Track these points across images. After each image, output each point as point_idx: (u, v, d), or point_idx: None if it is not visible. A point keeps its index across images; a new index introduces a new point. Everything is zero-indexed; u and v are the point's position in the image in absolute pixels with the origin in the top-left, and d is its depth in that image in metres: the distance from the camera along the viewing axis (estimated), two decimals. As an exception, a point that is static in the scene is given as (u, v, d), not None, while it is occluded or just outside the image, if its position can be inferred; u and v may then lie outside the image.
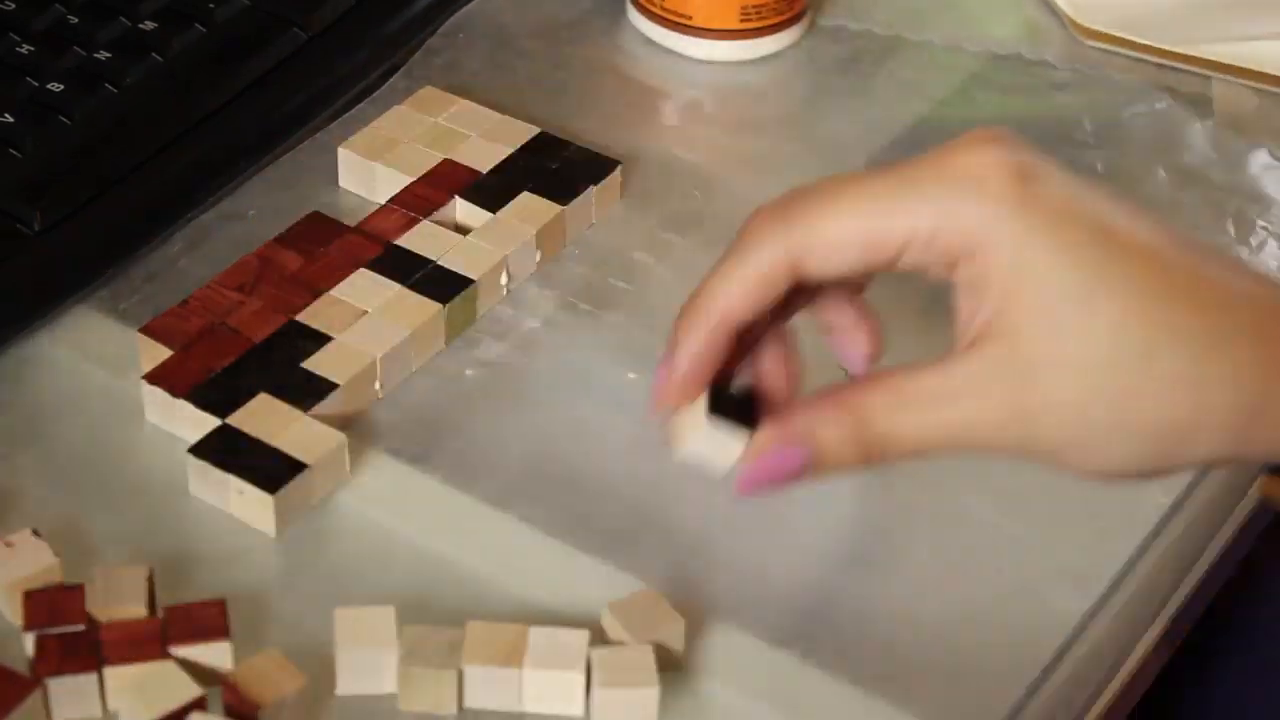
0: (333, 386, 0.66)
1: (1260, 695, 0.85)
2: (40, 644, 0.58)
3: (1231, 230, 0.76)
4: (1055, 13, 0.86)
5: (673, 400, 0.58)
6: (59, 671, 0.58)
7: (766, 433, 0.57)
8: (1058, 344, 0.53)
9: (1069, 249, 0.53)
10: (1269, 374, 0.54)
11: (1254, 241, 0.75)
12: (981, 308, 0.55)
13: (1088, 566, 0.64)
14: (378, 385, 0.67)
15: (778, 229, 0.56)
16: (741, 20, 0.82)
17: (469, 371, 0.69)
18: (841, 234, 0.55)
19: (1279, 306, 0.54)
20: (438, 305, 0.69)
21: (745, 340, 0.59)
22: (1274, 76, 0.82)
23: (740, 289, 0.57)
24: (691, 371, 0.58)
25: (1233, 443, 0.54)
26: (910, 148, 0.72)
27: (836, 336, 0.61)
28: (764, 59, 0.83)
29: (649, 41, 0.83)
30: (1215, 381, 0.53)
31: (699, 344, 0.58)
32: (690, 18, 0.82)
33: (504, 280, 0.71)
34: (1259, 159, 0.79)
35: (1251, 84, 0.82)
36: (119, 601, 0.59)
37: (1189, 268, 0.54)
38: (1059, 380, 0.53)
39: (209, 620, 0.59)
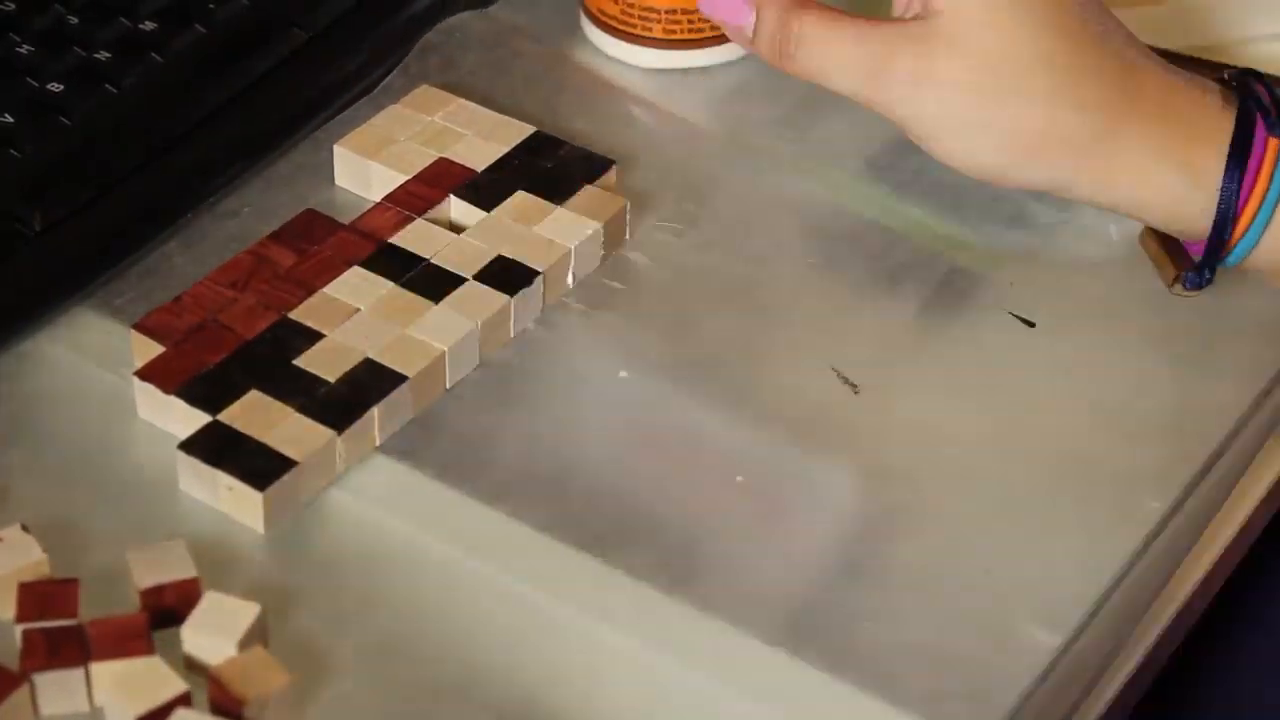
0: (324, 383, 0.66)
1: (1260, 697, 0.85)
2: (27, 639, 0.58)
3: (1229, 232, 0.75)
4: (1056, 15, 0.86)
5: None
6: (46, 667, 0.58)
7: None
8: (963, 33, 0.66)
9: None
10: (1119, 117, 0.67)
11: (1251, 243, 0.75)
12: None
13: (1083, 567, 0.64)
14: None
15: None
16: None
17: (461, 370, 0.70)
18: None
19: (1153, 77, 0.68)
20: (430, 303, 0.69)
21: None
22: (1274, 77, 0.81)
23: None
24: None
25: (1072, 169, 0.68)
26: (907, 148, 0.72)
27: None
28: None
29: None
30: (1069, 106, 0.67)
31: None
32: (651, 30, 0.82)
33: (497, 278, 0.72)
34: (1256, 160, 0.78)
35: (1251, 85, 0.82)
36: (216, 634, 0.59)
37: (1097, 29, 0.67)
38: (955, 64, 0.67)
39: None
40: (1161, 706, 0.77)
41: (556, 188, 0.74)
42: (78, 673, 0.58)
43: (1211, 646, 0.84)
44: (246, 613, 0.59)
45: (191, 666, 0.59)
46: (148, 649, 0.58)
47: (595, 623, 0.61)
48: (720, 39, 0.81)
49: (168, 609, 0.60)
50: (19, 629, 0.59)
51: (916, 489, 0.66)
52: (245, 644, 0.59)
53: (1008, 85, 0.66)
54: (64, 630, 0.59)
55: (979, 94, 0.67)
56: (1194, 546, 0.68)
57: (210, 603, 0.59)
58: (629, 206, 0.73)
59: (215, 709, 0.57)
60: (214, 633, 0.59)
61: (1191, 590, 0.68)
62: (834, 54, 0.68)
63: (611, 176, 0.75)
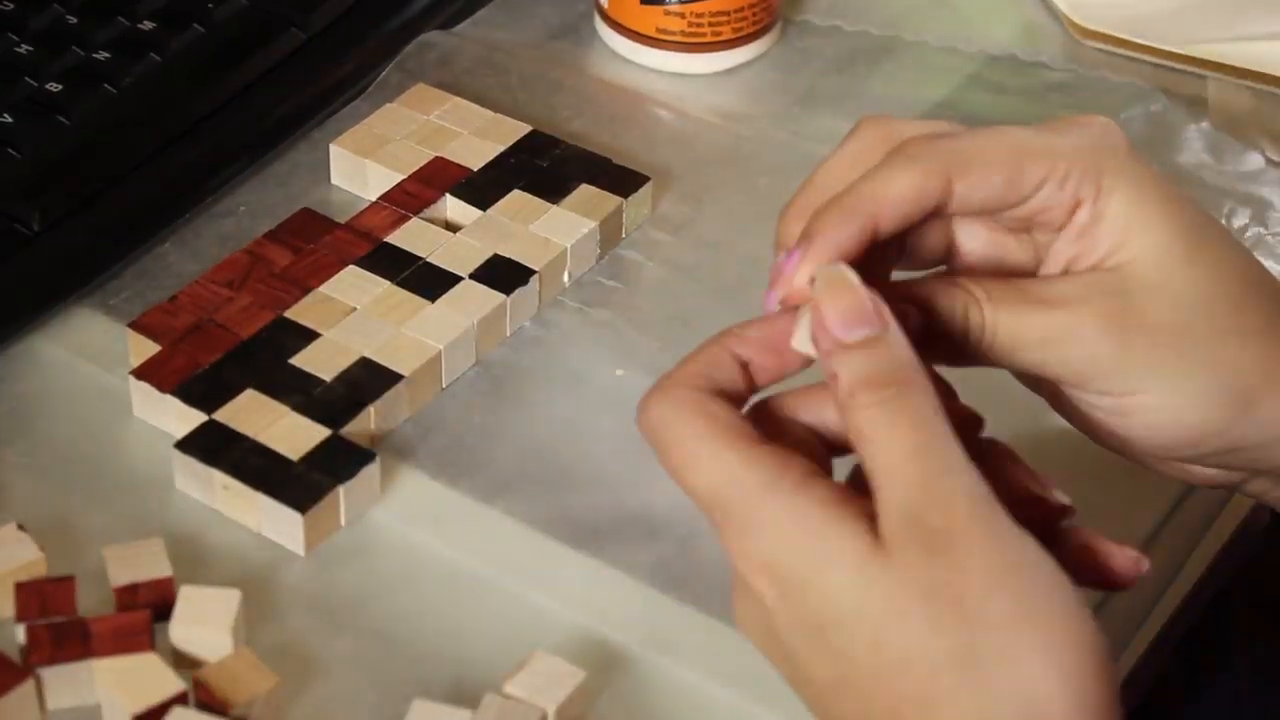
0: (320, 382, 0.66)
1: (1258, 698, 0.85)
2: (31, 633, 0.58)
3: (1225, 231, 0.75)
4: (1053, 13, 0.86)
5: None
6: (51, 660, 0.58)
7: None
8: (1162, 275, 0.55)
9: (1176, 201, 0.56)
10: None
11: (1247, 243, 0.75)
12: (1092, 248, 0.56)
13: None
14: (366, 382, 0.68)
15: (935, 145, 0.55)
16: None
17: (458, 368, 0.70)
18: (997, 154, 0.55)
19: None
20: (426, 302, 0.69)
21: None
22: (1272, 76, 0.81)
23: (895, 194, 0.54)
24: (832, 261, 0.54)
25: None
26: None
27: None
28: (758, 58, 0.83)
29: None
30: None
31: (844, 238, 0.54)
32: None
33: (492, 277, 0.72)
34: (1253, 161, 0.78)
35: (1249, 84, 0.82)
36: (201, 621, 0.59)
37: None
38: (1160, 304, 0.55)
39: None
40: (1160, 707, 0.77)
41: (553, 187, 0.74)
42: (84, 666, 0.58)
43: (1211, 645, 0.84)
44: (229, 600, 0.59)
45: (181, 664, 0.59)
46: (148, 646, 0.58)
47: (591, 621, 0.61)
48: (722, 44, 0.81)
49: (144, 605, 0.60)
50: (20, 626, 0.59)
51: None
52: (237, 631, 0.59)
53: (1221, 324, 0.56)
54: (67, 625, 0.59)
55: (1191, 336, 0.56)
56: (1194, 548, 0.68)
57: (189, 595, 0.59)
58: (624, 205, 0.74)
59: (204, 711, 0.57)
60: (203, 625, 0.59)
61: (1190, 589, 0.68)
62: (1026, 324, 0.56)
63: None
